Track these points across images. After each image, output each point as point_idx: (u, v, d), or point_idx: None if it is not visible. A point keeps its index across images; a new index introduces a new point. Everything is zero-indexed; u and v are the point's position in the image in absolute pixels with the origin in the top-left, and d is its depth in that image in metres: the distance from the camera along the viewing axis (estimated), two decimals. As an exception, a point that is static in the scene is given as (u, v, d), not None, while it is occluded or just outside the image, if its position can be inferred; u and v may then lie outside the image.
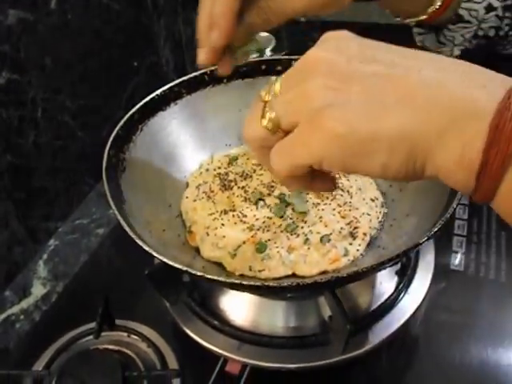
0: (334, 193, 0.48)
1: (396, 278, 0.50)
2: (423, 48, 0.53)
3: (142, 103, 0.50)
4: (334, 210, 0.47)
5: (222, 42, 0.38)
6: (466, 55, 0.51)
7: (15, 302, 0.59)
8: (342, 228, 0.45)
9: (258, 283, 0.38)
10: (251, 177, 0.51)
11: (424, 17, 0.48)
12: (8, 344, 0.54)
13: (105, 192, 0.42)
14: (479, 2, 0.47)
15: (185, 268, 0.36)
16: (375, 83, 0.24)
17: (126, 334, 0.50)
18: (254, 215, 0.47)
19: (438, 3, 0.46)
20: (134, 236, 0.38)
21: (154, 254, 0.37)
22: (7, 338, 0.55)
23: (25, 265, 0.63)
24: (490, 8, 0.47)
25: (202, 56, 0.39)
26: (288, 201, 0.47)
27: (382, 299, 0.48)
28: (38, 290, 0.60)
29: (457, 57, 0.51)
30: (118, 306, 0.51)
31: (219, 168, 0.53)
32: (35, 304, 0.58)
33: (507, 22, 0.48)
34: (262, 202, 0.48)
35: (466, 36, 0.49)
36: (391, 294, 0.48)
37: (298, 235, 0.45)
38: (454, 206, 0.38)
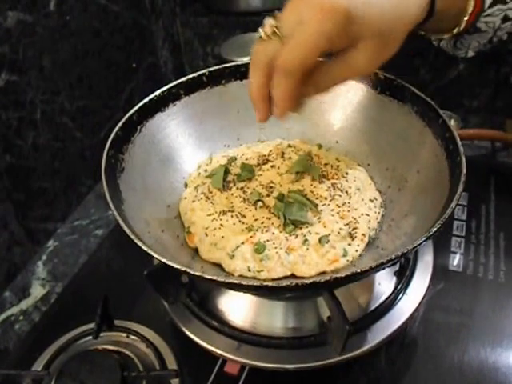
0: (332, 193, 0.49)
1: (395, 279, 0.50)
2: (439, 48, 0.54)
3: (140, 104, 0.50)
4: (332, 210, 0.47)
5: (280, 117, 0.41)
6: (479, 55, 0.53)
7: (14, 302, 0.59)
8: (340, 229, 0.45)
9: (257, 283, 0.38)
10: (250, 178, 0.51)
11: (448, 35, 0.50)
12: (7, 344, 0.54)
13: (104, 193, 0.42)
14: (497, 16, 0.48)
15: (184, 268, 0.36)
16: None
17: (124, 335, 0.50)
18: (253, 216, 0.47)
19: (462, 26, 0.48)
20: (132, 236, 0.38)
21: (153, 254, 0.37)
22: (7, 338, 0.55)
23: (24, 266, 0.63)
24: (505, 19, 0.48)
25: (260, 117, 0.43)
26: (289, 200, 0.47)
27: (381, 300, 0.48)
28: (37, 291, 0.60)
29: (471, 58, 0.53)
30: (117, 307, 0.51)
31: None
32: (34, 305, 0.58)
33: None
34: (260, 203, 0.48)
35: (481, 42, 0.50)
36: (390, 295, 0.48)
37: (297, 236, 0.45)
38: (453, 207, 0.38)
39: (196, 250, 0.47)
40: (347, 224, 0.46)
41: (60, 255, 0.65)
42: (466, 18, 0.47)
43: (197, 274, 0.36)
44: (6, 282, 0.61)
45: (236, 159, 0.54)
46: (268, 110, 0.42)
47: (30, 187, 0.63)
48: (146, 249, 0.37)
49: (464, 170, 0.40)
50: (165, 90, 0.52)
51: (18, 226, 0.62)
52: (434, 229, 0.36)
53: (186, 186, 0.53)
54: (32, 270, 0.63)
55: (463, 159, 0.41)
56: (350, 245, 0.45)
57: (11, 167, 0.59)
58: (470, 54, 0.53)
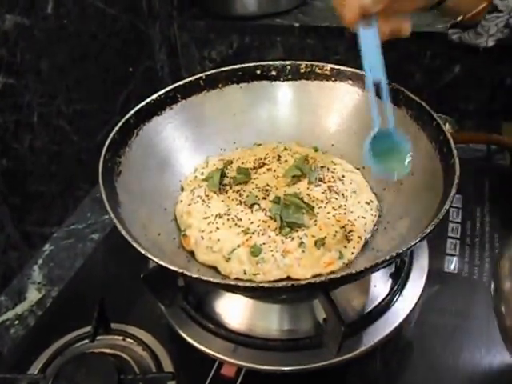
0: (328, 196, 0.49)
1: (390, 281, 0.50)
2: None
3: (137, 108, 0.50)
4: (328, 213, 0.47)
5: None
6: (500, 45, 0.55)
7: (10, 307, 0.59)
8: (336, 231, 0.46)
9: (254, 284, 0.38)
10: (246, 181, 0.52)
11: (473, 12, 0.53)
12: (2, 349, 0.54)
13: (100, 197, 0.42)
14: None
15: (180, 270, 0.36)
16: None
17: (121, 338, 0.50)
18: (249, 219, 0.47)
19: (484, 4, 0.52)
20: (130, 239, 0.38)
21: (150, 256, 0.37)
22: (1, 343, 0.54)
23: (20, 270, 0.63)
24: None
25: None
26: (285, 203, 0.47)
27: (376, 302, 0.48)
28: (32, 295, 0.60)
29: (491, 48, 0.56)
30: (114, 310, 0.51)
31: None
32: (30, 309, 0.58)
33: None
34: (256, 206, 0.48)
35: (499, 25, 0.53)
36: (385, 297, 0.48)
37: (293, 238, 0.45)
38: (447, 208, 0.38)
39: (192, 253, 0.47)
40: (343, 227, 0.46)
41: (56, 259, 0.64)
42: None
43: (193, 275, 0.36)
44: (2, 287, 0.61)
45: (232, 162, 0.54)
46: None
47: (26, 191, 0.63)
48: (143, 251, 0.37)
49: (457, 172, 0.41)
50: (162, 94, 0.52)
51: (14, 229, 0.62)
52: (428, 230, 0.36)
53: (182, 189, 0.53)
54: (28, 274, 0.62)
55: (457, 161, 0.42)
56: (345, 247, 0.45)
57: (7, 170, 0.59)
58: (490, 42, 0.55)
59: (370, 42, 0.45)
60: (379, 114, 0.45)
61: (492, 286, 0.42)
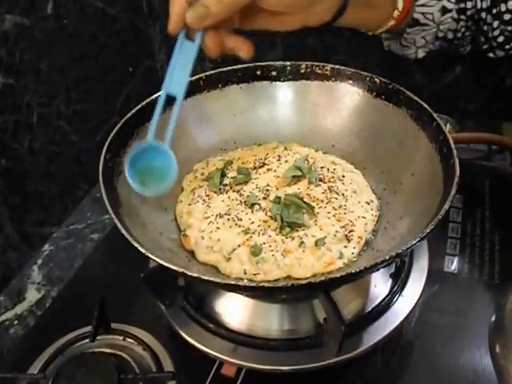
0: (329, 196, 0.49)
1: (390, 281, 0.50)
2: (390, 52, 0.54)
3: (137, 108, 0.50)
4: (329, 213, 0.47)
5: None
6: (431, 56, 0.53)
7: (9, 307, 0.59)
8: (337, 231, 0.46)
9: (254, 284, 0.38)
10: (246, 181, 0.52)
11: (385, 28, 0.50)
12: (2, 349, 0.54)
13: (99, 197, 0.42)
14: (432, 6, 0.48)
15: (181, 270, 0.36)
16: None
17: (121, 338, 0.50)
18: (250, 219, 0.47)
19: (392, 22, 0.49)
20: (130, 238, 0.38)
21: (151, 256, 0.37)
22: (1, 343, 0.54)
23: (19, 270, 0.63)
24: (444, 10, 0.49)
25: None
26: (286, 203, 0.47)
27: (377, 302, 0.48)
28: (32, 295, 0.60)
29: (422, 58, 0.54)
30: (114, 310, 0.51)
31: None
32: (29, 309, 0.58)
33: (462, 24, 0.50)
34: (257, 206, 0.48)
35: (427, 38, 0.51)
36: (385, 297, 0.48)
37: (294, 238, 0.45)
38: (446, 208, 0.38)
39: (192, 253, 0.47)
40: (343, 226, 0.46)
41: (55, 259, 0.64)
42: (400, 5, 0.47)
43: (194, 275, 0.36)
44: (1, 287, 0.61)
45: (232, 162, 0.54)
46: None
47: (25, 191, 0.63)
48: (144, 251, 0.37)
49: (457, 172, 0.41)
50: (162, 94, 0.52)
51: (14, 230, 0.62)
52: (428, 230, 0.36)
53: (182, 189, 0.53)
54: (27, 275, 0.62)
55: (456, 161, 0.42)
56: (346, 247, 0.45)
57: (7, 171, 0.59)
58: (421, 53, 0.52)
59: (185, 54, 0.41)
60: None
61: (492, 319, 0.41)
